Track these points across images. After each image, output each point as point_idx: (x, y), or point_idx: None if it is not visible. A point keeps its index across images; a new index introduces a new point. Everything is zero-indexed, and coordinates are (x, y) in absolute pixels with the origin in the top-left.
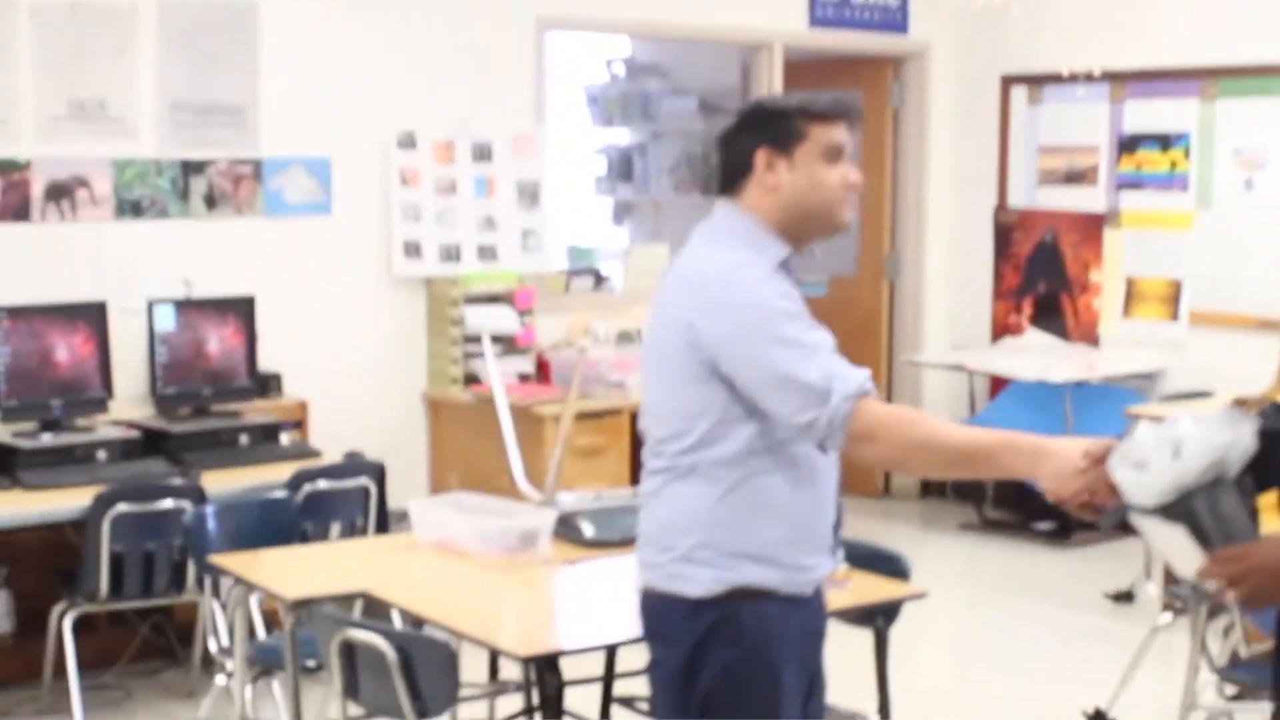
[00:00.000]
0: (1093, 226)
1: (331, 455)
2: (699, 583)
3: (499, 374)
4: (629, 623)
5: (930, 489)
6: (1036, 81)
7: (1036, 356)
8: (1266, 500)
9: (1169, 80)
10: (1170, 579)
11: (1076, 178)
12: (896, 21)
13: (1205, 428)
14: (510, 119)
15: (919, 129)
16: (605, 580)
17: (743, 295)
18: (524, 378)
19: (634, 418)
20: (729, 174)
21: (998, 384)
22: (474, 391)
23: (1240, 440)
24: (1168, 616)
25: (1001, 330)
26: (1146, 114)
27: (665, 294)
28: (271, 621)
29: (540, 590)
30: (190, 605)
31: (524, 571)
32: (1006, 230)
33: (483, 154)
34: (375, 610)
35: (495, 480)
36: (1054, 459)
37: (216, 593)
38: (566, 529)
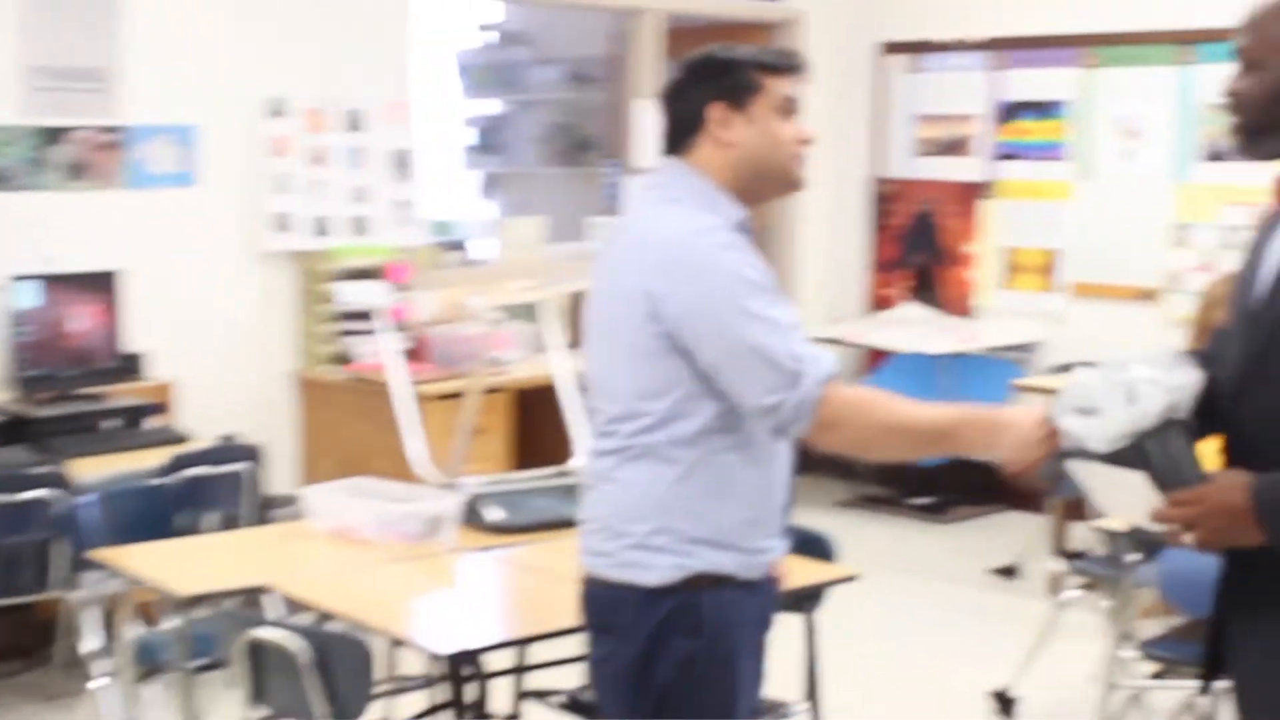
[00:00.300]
0: (971, 196)
1: (200, 439)
2: (656, 570)
3: (394, 351)
4: (546, 614)
5: (805, 465)
6: (915, 49)
7: (914, 329)
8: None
9: (1050, 48)
10: (1070, 554)
11: (955, 147)
12: None
13: (1158, 370)
14: (382, 86)
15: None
16: (516, 568)
17: (709, 263)
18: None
19: (520, 395)
20: (677, 130)
21: (874, 357)
22: (348, 371)
23: (1190, 382)
24: (1075, 591)
25: (877, 302)
26: (1027, 83)
27: (616, 261)
28: (146, 619)
29: (450, 580)
30: (50, 602)
31: (431, 560)
32: (883, 201)
33: (354, 123)
34: (258, 603)
35: (372, 464)
36: (1012, 430)
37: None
38: (471, 514)
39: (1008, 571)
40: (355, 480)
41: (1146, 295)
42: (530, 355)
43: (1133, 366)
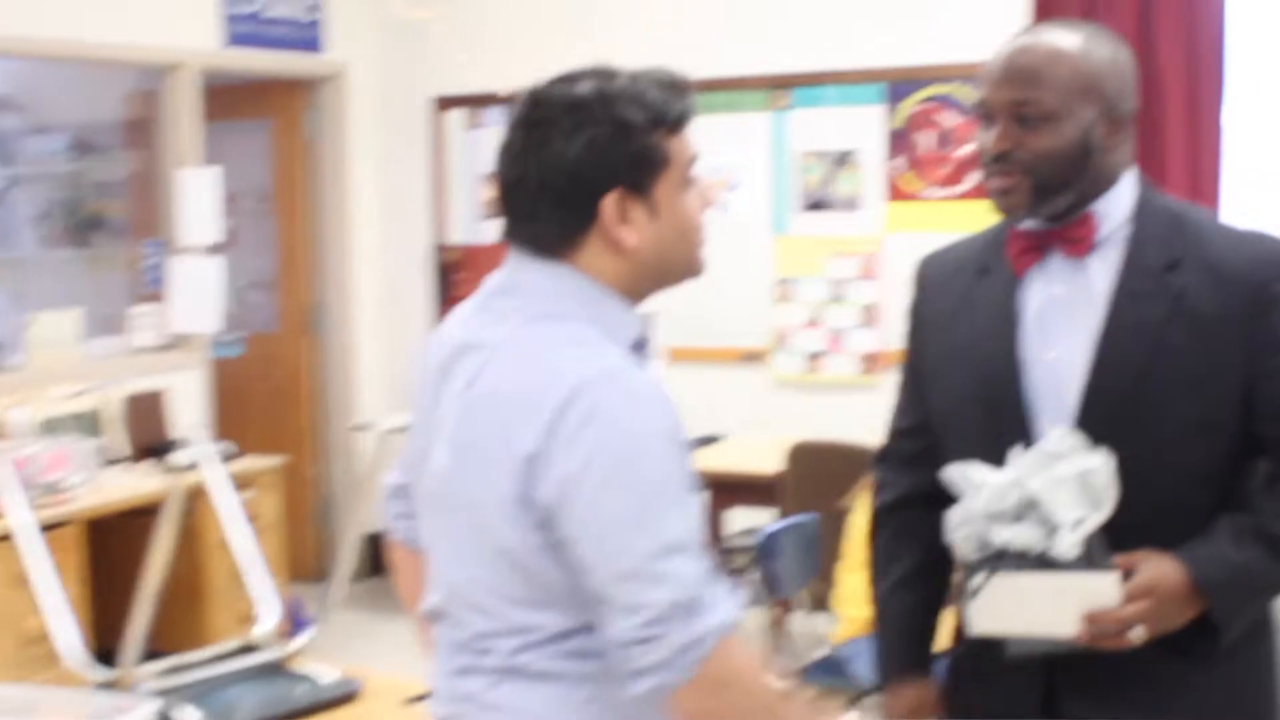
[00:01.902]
0: None
1: None
2: None
3: (12, 489)
4: None
5: (376, 568)
6: (474, 103)
7: None
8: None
9: None
10: None
11: None
12: (309, 39)
13: (1092, 456)
14: None
15: (338, 161)
16: None
17: (620, 416)
18: None
19: (90, 526)
20: (552, 228)
21: None
22: None
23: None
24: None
25: None
26: None
27: (468, 406)
28: None
29: None
30: None
31: None
32: (449, 270)
33: None
34: None
35: None
36: None
37: None
38: None
39: None
40: None
41: (752, 356)
42: (94, 476)
43: (1073, 457)
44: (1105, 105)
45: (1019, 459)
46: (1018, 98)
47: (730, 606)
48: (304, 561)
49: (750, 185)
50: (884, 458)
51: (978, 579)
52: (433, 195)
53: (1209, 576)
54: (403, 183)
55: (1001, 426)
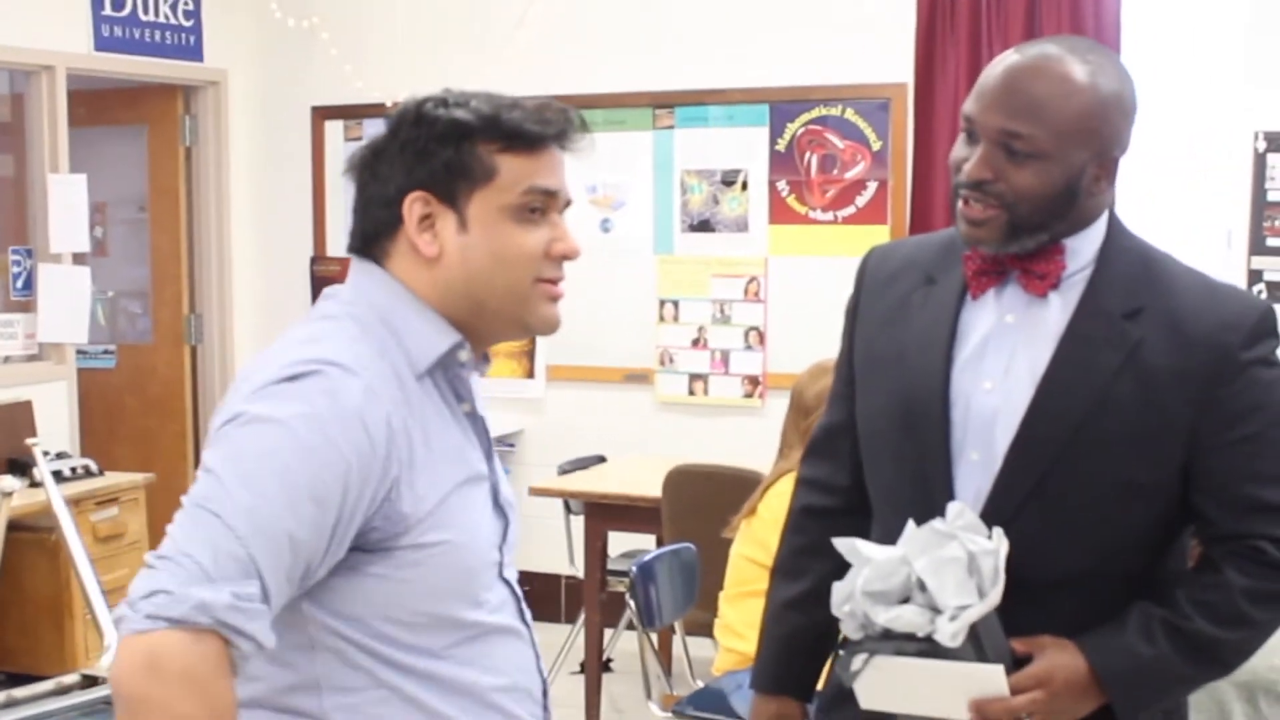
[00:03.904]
0: None
1: None
2: None
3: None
4: None
5: None
6: (355, 114)
7: None
8: None
9: None
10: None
11: None
12: (189, 45)
13: (981, 536)
14: None
15: (217, 170)
16: None
17: (262, 415)
18: None
19: None
20: (365, 224)
21: None
22: None
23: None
24: None
25: None
26: None
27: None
28: None
29: None
30: None
31: None
32: (327, 283)
33: None
34: None
35: None
36: None
37: None
38: None
39: None
40: None
41: (636, 376)
42: None
43: (962, 536)
44: (1101, 148)
45: (910, 535)
46: (1010, 128)
47: (215, 595)
48: None
49: (633, 204)
50: (810, 452)
51: (858, 660)
52: (312, 208)
53: (1112, 669)
54: (282, 193)
55: (921, 451)
